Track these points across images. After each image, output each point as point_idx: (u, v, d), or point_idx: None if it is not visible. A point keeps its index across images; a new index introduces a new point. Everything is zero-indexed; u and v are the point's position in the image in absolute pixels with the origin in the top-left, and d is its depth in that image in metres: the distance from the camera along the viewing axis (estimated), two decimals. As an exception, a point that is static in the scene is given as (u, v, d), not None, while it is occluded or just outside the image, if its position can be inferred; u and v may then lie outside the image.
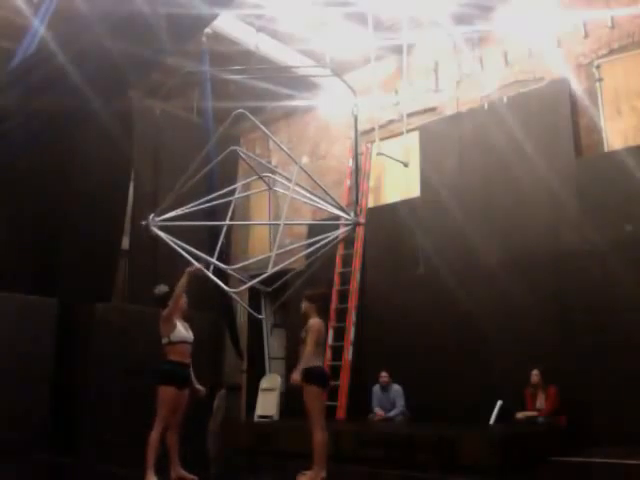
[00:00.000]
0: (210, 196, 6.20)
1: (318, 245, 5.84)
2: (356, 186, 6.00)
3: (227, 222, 6.58)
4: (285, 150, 6.48)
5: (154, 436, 4.96)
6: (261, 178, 6.68)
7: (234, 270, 6.57)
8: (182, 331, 5.24)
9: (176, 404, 5.11)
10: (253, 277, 6.53)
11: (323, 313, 5.43)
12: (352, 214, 5.53)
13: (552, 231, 7.71)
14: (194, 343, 5.36)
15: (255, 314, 7.57)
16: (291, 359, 9.26)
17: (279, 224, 6.23)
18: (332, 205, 5.81)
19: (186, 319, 5.42)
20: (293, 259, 6.28)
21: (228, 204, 6.54)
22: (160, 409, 5.03)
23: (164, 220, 5.63)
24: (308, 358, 5.13)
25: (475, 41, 9.08)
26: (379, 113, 9.65)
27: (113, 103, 8.14)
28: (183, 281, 5.16)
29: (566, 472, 5.92)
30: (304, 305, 5.39)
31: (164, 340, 5.20)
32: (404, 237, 9.13)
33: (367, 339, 9.11)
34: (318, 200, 5.95)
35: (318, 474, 4.98)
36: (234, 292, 6.35)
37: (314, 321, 5.23)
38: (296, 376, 5.06)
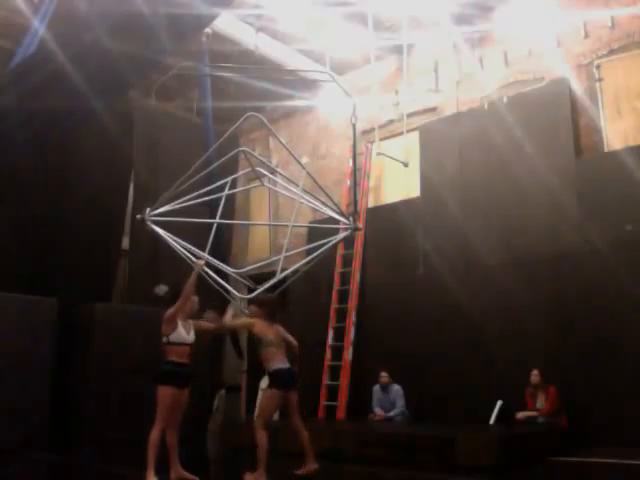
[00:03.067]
0: (204, 189, 6.13)
1: (319, 251, 5.83)
2: (355, 195, 5.99)
3: (232, 221, 6.55)
4: (293, 154, 6.40)
5: (154, 436, 4.94)
6: (258, 177, 6.66)
7: (234, 270, 6.56)
8: (182, 333, 5.14)
9: (175, 404, 5.09)
10: (252, 277, 6.57)
11: (271, 317, 5.47)
12: (351, 219, 5.52)
13: (552, 231, 7.71)
14: (194, 344, 5.32)
15: (243, 309, 7.52)
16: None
17: (287, 225, 6.19)
18: (332, 209, 5.79)
19: (191, 318, 5.36)
20: (301, 263, 6.23)
21: (229, 203, 6.52)
22: (159, 409, 5.01)
23: (160, 214, 5.56)
24: (266, 363, 5.27)
25: (475, 41, 9.08)
26: (379, 113, 9.65)
27: (113, 103, 8.17)
28: (192, 281, 5.10)
29: (566, 472, 5.93)
30: (251, 310, 5.51)
31: (163, 339, 5.17)
32: (404, 237, 9.13)
33: (367, 339, 9.11)
34: (319, 205, 5.93)
35: (261, 475, 4.97)
36: (243, 297, 6.29)
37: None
38: None
